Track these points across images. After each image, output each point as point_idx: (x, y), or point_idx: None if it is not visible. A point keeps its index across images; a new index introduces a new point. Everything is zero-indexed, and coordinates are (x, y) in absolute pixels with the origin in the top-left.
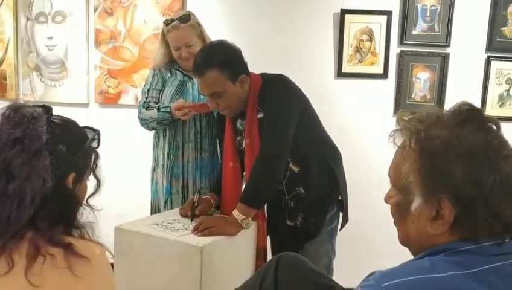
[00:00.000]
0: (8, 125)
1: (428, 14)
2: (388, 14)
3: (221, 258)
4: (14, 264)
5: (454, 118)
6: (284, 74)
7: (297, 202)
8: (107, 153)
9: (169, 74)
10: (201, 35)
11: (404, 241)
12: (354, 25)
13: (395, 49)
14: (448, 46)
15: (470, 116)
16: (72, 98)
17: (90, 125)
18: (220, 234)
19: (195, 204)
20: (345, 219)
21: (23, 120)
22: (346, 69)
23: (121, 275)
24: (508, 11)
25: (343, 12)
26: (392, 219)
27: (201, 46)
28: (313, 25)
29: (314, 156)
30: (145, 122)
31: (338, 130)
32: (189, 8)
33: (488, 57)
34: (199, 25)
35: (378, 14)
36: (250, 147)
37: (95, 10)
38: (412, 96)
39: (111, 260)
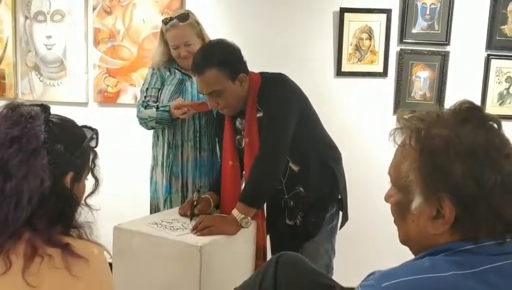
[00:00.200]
0: (6, 125)
1: (428, 13)
2: (388, 12)
3: (220, 258)
4: (12, 265)
5: (454, 116)
6: (283, 72)
7: (297, 201)
8: (106, 152)
9: (168, 73)
10: (200, 34)
11: (404, 241)
12: (353, 23)
13: (394, 47)
14: (448, 44)
15: (471, 115)
16: (71, 97)
17: (88, 124)
18: (219, 234)
19: (195, 203)
20: (345, 218)
21: (21, 119)
22: (345, 67)
23: (120, 274)
24: (508, 9)
25: (343, 10)
26: (392, 218)
27: (200, 45)
28: (312, 24)
29: (313, 155)
30: (144, 122)
31: (338, 129)
32: (188, 7)
33: (488, 55)
34: (198, 23)
35: (377, 13)
36: (249, 146)
37: (94, 9)
38: (412, 94)
39: (109, 260)
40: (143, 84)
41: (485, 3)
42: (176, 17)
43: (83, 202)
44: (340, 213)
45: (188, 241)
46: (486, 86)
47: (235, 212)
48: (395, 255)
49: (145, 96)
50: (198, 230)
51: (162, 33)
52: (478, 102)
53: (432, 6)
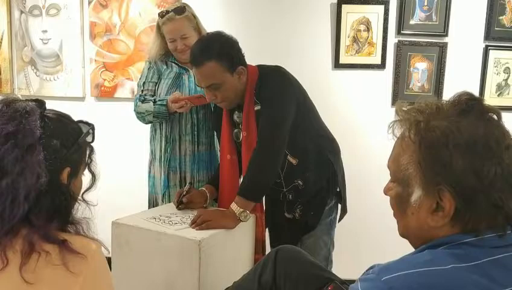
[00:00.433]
0: (1, 120)
1: (425, 4)
2: (385, 3)
3: (219, 252)
4: (9, 262)
5: (454, 108)
6: (281, 65)
7: (296, 194)
8: (103, 147)
9: (165, 67)
10: (197, 27)
11: (404, 234)
12: (351, 15)
13: (392, 39)
14: (446, 35)
15: (470, 106)
16: (67, 91)
17: (86, 119)
18: (218, 228)
19: (184, 192)
20: (344, 211)
21: (16, 115)
22: (343, 59)
23: (119, 270)
24: None
25: (340, 2)
26: (392, 211)
27: (196, 38)
28: (309, 16)
29: (312, 148)
30: (141, 116)
31: (336, 122)
32: None
33: (486, 46)
34: (194, 16)
35: (375, 4)
36: (247, 140)
37: (90, 3)
38: (410, 86)
39: (107, 256)
40: (140, 78)
41: None
42: (172, 10)
43: (80, 197)
44: (339, 206)
45: (186, 235)
46: (484, 77)
47: (233, 206)
48: (394, 248)
49: (142, 91)
50: (197, 224)
51: (159, 26)
52: (476, 93)
53: None
